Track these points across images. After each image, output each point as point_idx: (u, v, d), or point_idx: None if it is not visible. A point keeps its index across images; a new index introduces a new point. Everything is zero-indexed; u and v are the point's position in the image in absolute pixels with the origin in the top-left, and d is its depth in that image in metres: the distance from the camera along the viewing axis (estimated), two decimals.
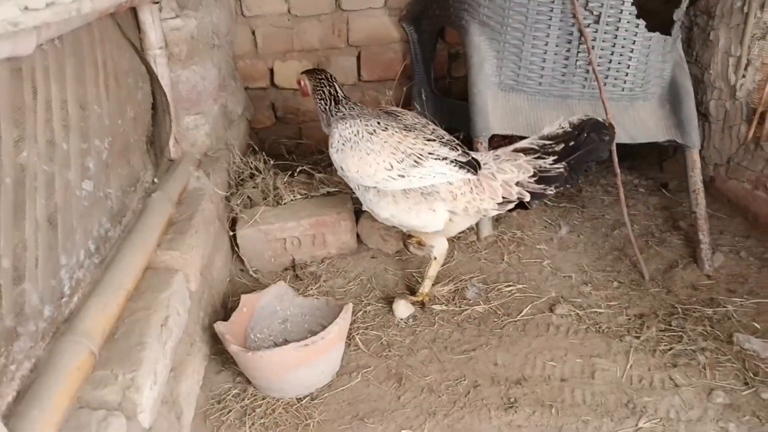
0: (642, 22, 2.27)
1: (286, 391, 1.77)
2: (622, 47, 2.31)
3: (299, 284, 2.32)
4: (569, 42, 2.32)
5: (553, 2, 2.27)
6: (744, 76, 2.53)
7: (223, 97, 2.78)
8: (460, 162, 1.83)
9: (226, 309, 2.16)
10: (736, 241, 2.43)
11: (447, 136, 1.97)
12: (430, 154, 1.85)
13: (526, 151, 1.83)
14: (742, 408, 1.65)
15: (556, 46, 2.34)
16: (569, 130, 1.80)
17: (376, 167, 1.88)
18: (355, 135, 1.95)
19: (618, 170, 2.29)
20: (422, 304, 2.16)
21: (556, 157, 1.78)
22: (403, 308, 2.10)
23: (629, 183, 2.95)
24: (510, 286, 2.22)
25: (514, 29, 2.35)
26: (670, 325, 1.97)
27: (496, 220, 2.62)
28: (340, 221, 2.44)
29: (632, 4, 2.24)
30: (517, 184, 1.81)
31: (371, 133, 1.92)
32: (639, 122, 2.42)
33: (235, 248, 2.41)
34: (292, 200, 2.56)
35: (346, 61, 3.39)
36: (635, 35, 2.29)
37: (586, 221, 2.66)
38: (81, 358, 1.27)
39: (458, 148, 1.88)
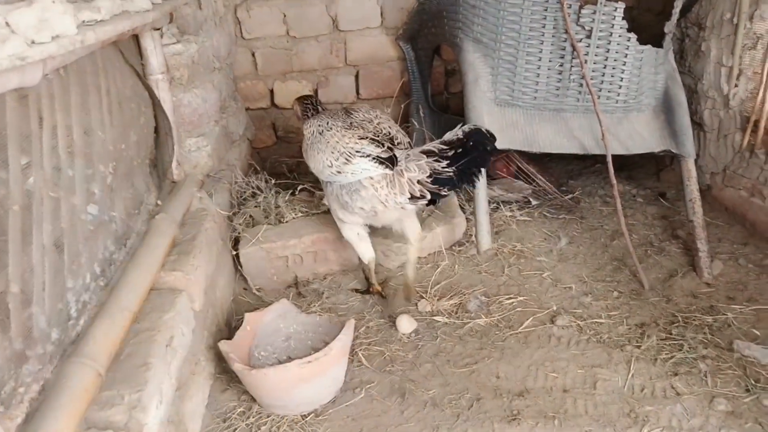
0: (633, 36, 2.32)
1: (291, 408, 1.79)
2: (615, 60, 2.36)
3: (302, 301, 2.34)
4: (562, 57, 2.36)
5: (545, 18, 2.32)
6: (737, 86, 2.56)
7: (224, 119, 2.83)
8: (381, 158, 1.98)
9: (230, 328, 2.19)
10: (734, 249, 2.45)
11: (384, 130, 2.12)
12: (357, 152, 2.02)
13: (428, 153, 1.95)
14: (744, 415, 1.65)
15: (550, 61, 2.38)
16: (461, 137, 1.92)
17: (323, 164, 2.11)
18: (311, 135, 2.21)
19: (614, 181, 2.32)
20: (408, 296, 2.25)
21: (448, 162, 1.90)
22: (406, 323, 2.12)
23: (627, 193, 2.97)
24: (511, 298, 2.24)
25: (508, 45, 2.40)
26: (671, 334, 1.99)
27: (496, 233, 2.65)
28: (341, 238, 2.47)
29: (623, 18, 2.29)
30: (418, 182, 1.94)
31: (320, 134, 2.16)
32: (634, 133, 2.46)
33: (238, 267, 2.44)
34: (293, 218, 2.59)
35: (344, 80, 3.45)
36: (627, 48, 2.34)
37: (585, 232, 2.68)
38: (88, 379, 1.30)
39: (384, 144, 2.03)
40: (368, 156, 2.01)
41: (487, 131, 1.93)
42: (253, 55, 3.33)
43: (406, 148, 2.08)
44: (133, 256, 1.75)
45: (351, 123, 2.16)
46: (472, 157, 1.89)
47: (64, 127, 1.43)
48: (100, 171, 1.60)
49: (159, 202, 2.16)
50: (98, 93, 1.67)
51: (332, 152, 2.08)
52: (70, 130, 1.47)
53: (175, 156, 2.33)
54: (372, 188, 2.02)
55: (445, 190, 1.94)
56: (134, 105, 1.99)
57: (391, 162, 1.97)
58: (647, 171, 3.17)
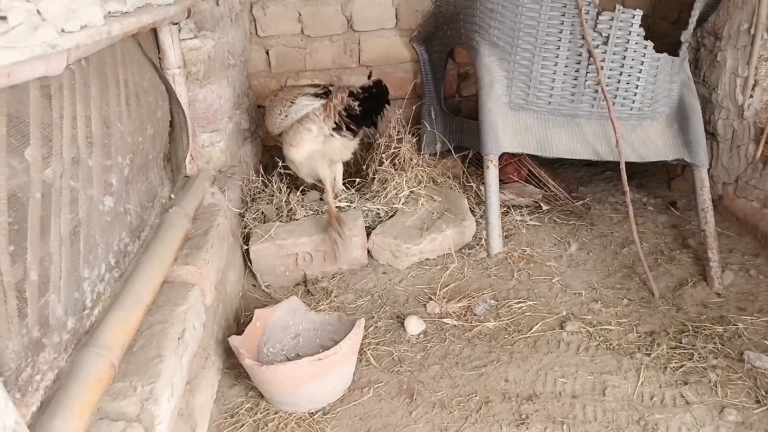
0: (650, 44, 2.32)
1: (299, 405, 1.79)
2: (631, 68, 2.35)
3: (310, 299, 2.34)
4: (578, 62, 2.36)
5: (562, 24, 2.32)
6: (751, 96, 2.55)
7: (237, 115, 2.84)
8: (318, 93, 2.48)
9: (239, 323, 2.19)
10: (745, 260, 2.43)
11: (322, 84, 2.59)
12: (299, 94, 2.52)
13: (351, 94, 2.41)
14: (754, 426, 1.65)
15: (566, 66, 2.38)
16: (370, 84, 2.41)
17: (275, 116, 2.58)
18: (269, 102, 2.69)
19: (627, 188, 2.31)
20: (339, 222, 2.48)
21: (359, 102, 2.38)
22: (414, 324, 2.12)
23: (638, 201, 2.96)
24: (520, 302, 2.24)
25: (524, 50, 2.40)
26: (681, 343, 1.98)
27: (506, 236, 2.65)
28: (351, 237, 2.47)
29: (640, 25, 2.28)
30: (339, 114, 2.41)
31: (275, 96, 2.67)
32: (647, 141, 2.45)
33: (248, 263, 2.45)
34: (305, 216, 2.59)
35: (357, 80, 3.44)
36: (643, 56, 2.33)
37: (595, 239, 2.67)
38: (101, 369, 1.30)
39: (320, 85, 2.53)
40: (306, 95, 2.50)
41: (385, 85, 2.41)
42: (267, 53, 3.34)
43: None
44: (146, 248, 1.76)
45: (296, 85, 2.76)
46: (372, 101, 2.39)
47: (83, 118, 1.44)
48: (117, 163, 1.61)
49: (172, 195, 2.17)
50: (117, 85, 1.67)
51: (281, 102, 2.56)
52: (89, 121, 1.47)
53: (189, 151, 2.34)
54: (315, 117, 2.46)
55: (353, 125, 2.42)
56: (152, 98, 2.00)
57: (325, 94, 2.46)
58: (658, 179, 3.17)
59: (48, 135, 1.28)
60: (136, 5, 1.42)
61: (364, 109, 2.40)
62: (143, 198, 1.90)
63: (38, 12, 0.96)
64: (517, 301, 2.25)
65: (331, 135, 2.48)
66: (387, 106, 2.45)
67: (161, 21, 1.82)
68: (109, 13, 1.23)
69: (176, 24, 2.17)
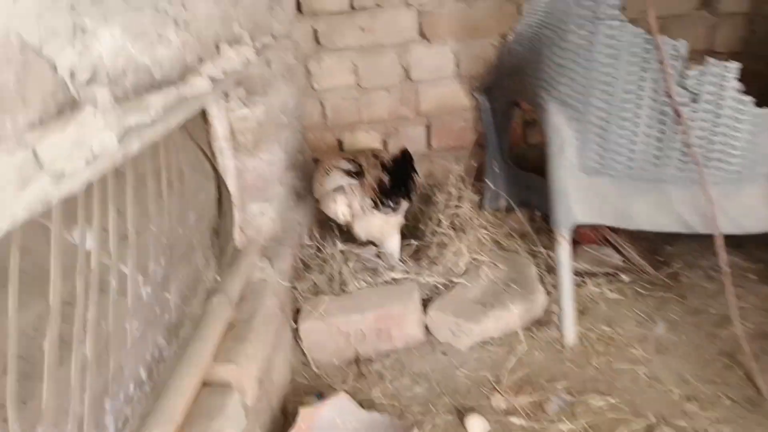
0: (749, 99, 2.00)
1: None
2: (726, 126, 2.04)
3: (363, 383, 2.17)
4: (662, 123, 2.07)
5: (642, 80, 2.05)
6: None
7: (290, 178, 2.73)
8: (350, 171, 2.48)
9: (285, 414, 2.04)
10: None
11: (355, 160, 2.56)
12: (333, 167, 2.53)
13: (383, 166, 2.44)
14: None
15: (648, 126, 2.10)
16: (397, 154, 2.43)
17: (315, 182, 2.64)
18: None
19: (725, 267, 1.99)
20: None
21: (389, 174, 2.40)
22: (477, 426, 1.89)
23: (735, 267, 2.57)
24: (599, 400, 1.96)
25: (598, 109, 2.14)
26: None
27: (581, 311, 2.36)
28: (406, 313, 2.29)
29: (736, 79, 1.98)
30: (373, 189, 2.41)
31: (319, 161, 2.78)
32: (748, 209, 2.12)
33: (298, 340, 2.31)
34: (357, 288, 2.43)
35: (415, 130, 3.29)
36: (741, 113, 2.02)
37: (686, 315, 2.34)
38: None
39: (355, 163, 2.51)
40: (339, 169, 2.50)
41: (409, 153, 2.42)
42: (322, 105, 3.24)
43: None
44: (184, 349, 1.64)
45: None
46: (399, 172, 2.40)
47: (114, 231, 1.32)
48: (150, 269, 1.50)
49: (218, 277, 2.06)
50: (156, 179, 1.57)
51: (319, 170, 2.60)
52: (123, 236, 1.37)
53: (237, 223, 2.24)
54: (347, 194, 2.47)
55: (385, 198, 2.39)
56: (195, 181, 1.91)
57: (358, 174, 2.45)
58: (760, 239, 2.76)
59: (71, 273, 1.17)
60: (165, 105, 1.30)
61: (393, 180, 2.39)
62: (184, 288, 1.79)
63: (35, 155, 0.84)
64: (595, 396, 1.98)
65: (371, 212, 2.45)
66: (414, 173, 2.43)
67: (198, 110, 1.72)
68: (128, 128, 1.12)
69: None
